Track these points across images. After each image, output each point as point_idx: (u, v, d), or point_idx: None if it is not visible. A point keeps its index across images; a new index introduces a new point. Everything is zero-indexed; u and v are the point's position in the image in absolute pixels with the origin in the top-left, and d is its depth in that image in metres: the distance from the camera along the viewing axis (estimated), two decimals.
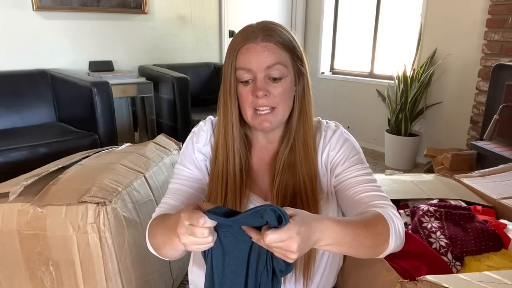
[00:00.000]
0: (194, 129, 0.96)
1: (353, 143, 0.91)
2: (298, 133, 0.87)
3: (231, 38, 0.85)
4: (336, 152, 0.89)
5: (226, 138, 0.86)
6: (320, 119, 0.96)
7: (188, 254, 1.10)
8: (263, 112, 0.82)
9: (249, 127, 0.91)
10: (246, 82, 0.82)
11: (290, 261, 0.62)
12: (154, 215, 0.88)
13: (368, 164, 0.90)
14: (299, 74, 0.85)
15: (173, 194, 0.91)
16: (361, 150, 0.92)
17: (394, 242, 0.75)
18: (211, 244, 0.64)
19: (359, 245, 0.70)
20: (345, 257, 1.06)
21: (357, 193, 0.84)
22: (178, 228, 0.63)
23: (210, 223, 0.61)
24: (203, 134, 0.94)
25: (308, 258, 0.86)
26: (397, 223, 0.77)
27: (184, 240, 0.63)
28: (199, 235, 0.61)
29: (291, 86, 0.84)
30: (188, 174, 0.92)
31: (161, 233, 0.78)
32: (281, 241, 0.58)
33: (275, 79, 0.81)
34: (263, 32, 0.80)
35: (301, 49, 0.86)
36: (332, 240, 0.66)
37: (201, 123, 0.96)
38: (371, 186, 0.84)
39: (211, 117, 0.97)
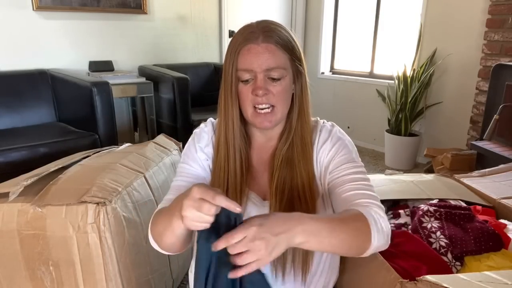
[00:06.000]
0: (196, 131, 0.97)
1: (347, 142, 0.92)
2: (297, 130, 0.89)
3: (231, 37, 0.86)
4: (328, 151, 0.90)
5: (227, 135, 0.88)
6: (318, 119, 0.97)
7: (189, 254, 1.10)
8: (263, 111, 0.84)
9: (248, 125, 0.92)
10: (246, 81, 0.84)
11: (265, 263, 0.63)
12: (156, 210, 0.88)
13: (362, 163, 0.91)
14: (298, 73, 0.87)
15: (177, 190, 0.90)
16: (355, 149, 0.92)
17: (377, 241, 0.76)
18: (207, 225, 0.65)
19: (339, 241, 0.71)
20: (344, 257, 1.05)
21: (344, 191, 0.85)
22: (186, 200, 0.64)
23: (219, 202, 0.62)
24: (204, 135, 0.95)
25: (306, 253, 0.87)
26: (379, 221, 0.77)
27: (187, 212, 0.64)
28: (205, 210, 0.62)
29: (289, 85, 0.86)
30: (192, 171, 0.93)
31: (162, 218, 0.78)
32: (241, 233, 0.61)
33: (274, 79, 0.83)
34: (264, 33, 0.82)
35: (300, 48, 0.88)
36: (308, 233, 0.67)
37: (202, 125, 0.98)
38: (359, 184, 0.85)
39: (211, 119, 0.99)
